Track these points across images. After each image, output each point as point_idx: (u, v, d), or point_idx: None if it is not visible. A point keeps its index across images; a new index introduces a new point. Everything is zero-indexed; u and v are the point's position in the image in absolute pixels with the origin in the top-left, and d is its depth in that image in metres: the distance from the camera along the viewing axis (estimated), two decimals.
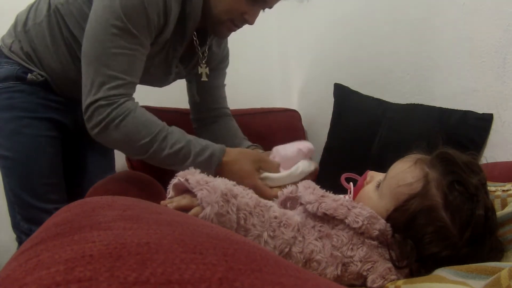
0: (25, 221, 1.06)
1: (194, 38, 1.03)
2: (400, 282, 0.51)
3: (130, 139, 0.86)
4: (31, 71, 1.01)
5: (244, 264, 0.26)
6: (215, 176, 0.67)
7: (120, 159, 1.30)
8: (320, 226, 0.60)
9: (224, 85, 1.25)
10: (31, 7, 1.04)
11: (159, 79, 1.09)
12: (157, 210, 0.36)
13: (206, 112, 1.22)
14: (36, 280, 0.22)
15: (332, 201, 0.60)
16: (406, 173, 0.61)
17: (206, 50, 1.09)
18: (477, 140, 0.96)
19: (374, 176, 0.69)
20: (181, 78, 1.16)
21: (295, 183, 0.75)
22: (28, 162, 1.03)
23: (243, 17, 0.94)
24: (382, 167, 0.74)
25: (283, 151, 0.93)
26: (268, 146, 1.11)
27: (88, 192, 0.93)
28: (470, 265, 0.48)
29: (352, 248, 0.58)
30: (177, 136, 0.89)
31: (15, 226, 1.09)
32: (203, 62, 1.09)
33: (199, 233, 0.31)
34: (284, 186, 0.77)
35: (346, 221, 0.58)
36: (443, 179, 0.58)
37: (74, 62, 1.01)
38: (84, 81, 0.87)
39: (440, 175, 0.58)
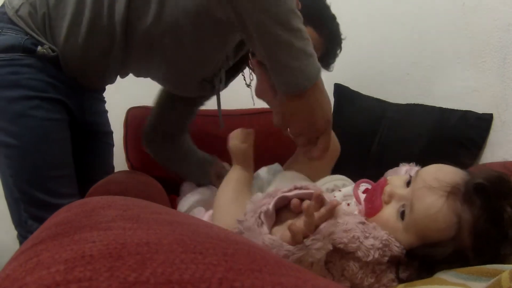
0: (34, 219, 0.89)
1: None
2: (401, 286, 0.51)
3: None
4: (41, 44, 0.83)
5: (244, 264, 0.26)
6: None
7: (120, 159, 1.29)
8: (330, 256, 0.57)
9: None
10: None
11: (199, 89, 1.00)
12: (157, 210, 0.36)
13: (175, 126, 1.11)
14: (36, 280, 0.22)
15: (342, 232, 0.55)
16: (437, 214, 0.55)
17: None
18: (477, 140, 0.96)
19: (393, 194, 0.61)
20: (211, 94, 1.06)
21: None
22: (37, 151, 0.85)
23: None
24: (382, 167, 0.74)
25: None
26: (268, 145, 1.11)
27: (88, 192, 0.91)
28: (471, 267, 0.48)
29: (361, 277, 0.56)
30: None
31: (20, 225, 0.92)
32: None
33: (199, 233, 0.31)
34: None
35: (357, 254, 0.55)
36: (477, 222, 0.53)
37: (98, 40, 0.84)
38: None
39: (474, 218, 0.53)
